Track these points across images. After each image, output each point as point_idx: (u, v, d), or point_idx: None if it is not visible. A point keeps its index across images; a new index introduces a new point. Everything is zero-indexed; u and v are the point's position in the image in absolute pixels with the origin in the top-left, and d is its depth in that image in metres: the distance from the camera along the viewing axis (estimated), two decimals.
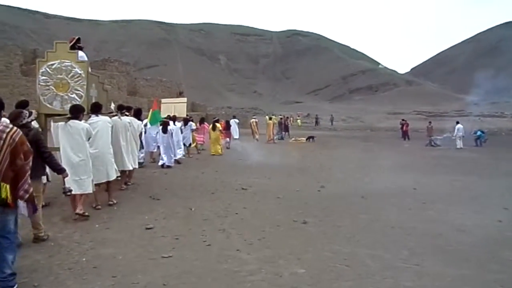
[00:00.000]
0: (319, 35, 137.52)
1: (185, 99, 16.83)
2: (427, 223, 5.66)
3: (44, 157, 4.41)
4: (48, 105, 6.45)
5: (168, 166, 10.77)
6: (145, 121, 11.38)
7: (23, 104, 5.59)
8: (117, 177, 6.66)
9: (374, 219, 5.79)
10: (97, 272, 3.59)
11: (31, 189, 3.36)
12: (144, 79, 35.75)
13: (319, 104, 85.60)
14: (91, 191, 5.61)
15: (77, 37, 7.23)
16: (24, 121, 4.26)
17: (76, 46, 6.88)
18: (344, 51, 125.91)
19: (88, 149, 5.68)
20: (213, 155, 14.59)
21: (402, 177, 10.22)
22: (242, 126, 27.26)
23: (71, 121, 5.50)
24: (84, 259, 3.90)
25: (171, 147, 11.45)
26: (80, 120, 5.60)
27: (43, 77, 6.44)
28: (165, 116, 13.07)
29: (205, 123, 17.01)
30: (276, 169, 11.26)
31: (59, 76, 6.39)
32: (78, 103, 6.23)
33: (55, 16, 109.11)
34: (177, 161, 11.77)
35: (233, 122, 22.86)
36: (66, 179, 5.01)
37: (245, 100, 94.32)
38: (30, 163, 3.42)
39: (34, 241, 4.37)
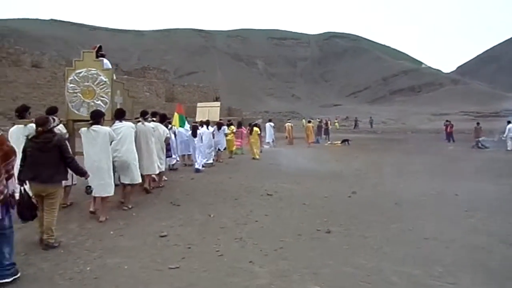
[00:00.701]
0: (357, 36, 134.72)
1: (218, 103, 16.69)
2: (468, 234, 5.07)
3: (67, 162, 4.56)
4: (75, 111, 6.62)
5: (198, 170, 10.70)
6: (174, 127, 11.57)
7: (52, 110, 5.95)
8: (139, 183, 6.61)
9: (407, 229, 5.27)
10: (96, 283, 3.42)
11: (6, 191, 3.42)
12: (182, 86, 36.42)
13: (359, 107, 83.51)
14: (112, 194, 5.73)
15: (98, 45, 7.36)
16: (50, 126, 4.50)
17: (98, 54, 7.02)
18: (385, 51, 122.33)
19: (110, 153, 5.78)
20: (253, 158, 14.47)
21: (443, 182, 9.46)
22: (278, 130, 27.03)
23: (94, 126, 5.63)
24: (88, 268, 3.76)
25: (201, 151, 11.49)
26: (102, 125, 5.71)
27: (71, 85, 6.63)
28: (199, 120, 13.16)
29: (242, 127, 16.79)
30: (308, 173, 10.82)
31: (85, 83, 6.60)
32: (103, 109, 6.42)
33: (100, 28, 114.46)
34: (209, 165, 11.84)
35: (268, 126, 22.75)
36: (89, 179, 5.15)
37: (283, 104, 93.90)
38: (12, 164, 3.55)
39: (44, 247, 4.31)
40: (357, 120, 44.82)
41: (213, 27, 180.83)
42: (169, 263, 3.95)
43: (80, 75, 6.63)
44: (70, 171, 4.87)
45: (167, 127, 11.31)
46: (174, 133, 11.56)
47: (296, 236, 4.93)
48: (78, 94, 6.64)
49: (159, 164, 7.61)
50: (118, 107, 6.83)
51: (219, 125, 14.06)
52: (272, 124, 23.47)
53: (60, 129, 5.64)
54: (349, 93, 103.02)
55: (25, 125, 5.56)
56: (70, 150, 4.89)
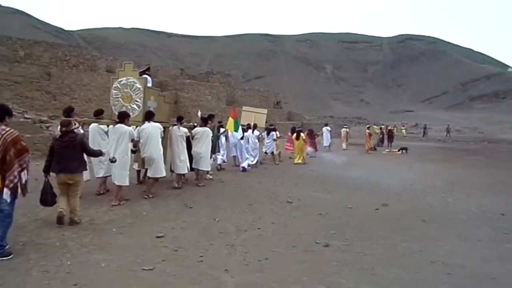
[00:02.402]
0: (435, 38, 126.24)
1: (265, 111, 16.67)
2: (487, 261, 4.44)
3: (87, 152, 5.66)
4: (117, 113, 7.26)
5: (244, 170, 11.59)
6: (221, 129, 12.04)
7: (98, 112, 7.62)
8: (162, 177, 7.54)
9: (417, 249, 4.76)
10: (64, 277, 3.57)
11: (16, 180, 4.06)
12: (243, 89, 37.04)
13: (433, 113, 78.22)
14: (127, 184, 6.69)
15: (147, 66, 9.19)
16: (72, 127, 5.51)
17: (145, 73, 8.45)
18: (466, 54, 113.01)
19: (129, 148, 6.77)
20: (297, 163, 14.43)
21: (495, 200, 8.46)
22: (336, 135, 26.33)
23: (118, 124, 6.66)
24: (68, 263, 3.93)
25: (247, 152, 12.26)
26: (126, 124, 6.69)
27: (115, 91, 7.62)
28: (246, 124, 13.48)
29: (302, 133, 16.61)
30: (346, 182, 10.35)
31: (125, 90, 7.54)
32: (137, 112, 7.44)
33: (175, 35, 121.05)
34: (253, 166, 12.58)
35: (325, 130, 22.54)
36: (112, 172, 6.66)
37: (351, 109, 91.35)
38: (24, 159, 4.19)
39: (70, 223, 5.26)
40: (426, 128, 41.79)
41: (283, 32, 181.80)
42: (147, 265, 3.99)
43: (121, 83, 7.56)
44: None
45: (219, 130, 11.91)
46: (226, 136, 12.29)
47: (290, 248, 4.70)
48: (119, 99, 7.56)
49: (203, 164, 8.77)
50: (152, 110, 7.60)
51: (268, 130, 14.57)
52: (328, 128, 23.13)
53: (80, 129, 6.31)
54: (424, 99, 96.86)
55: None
56: (89, 144, 6.04)
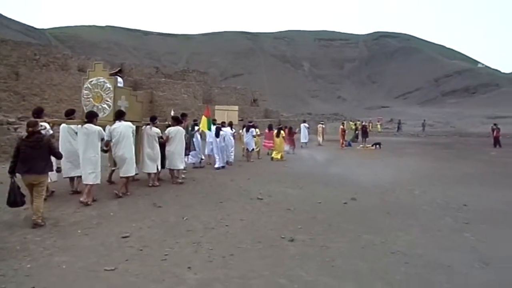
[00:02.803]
0: (409, 35, 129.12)
1: (236, 107, 17.04)
2: (444, 250, 4.62)
3: (54, 154, 5.73)
4: None
5: (223, 167, 11.88)
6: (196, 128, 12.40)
7: (69, 112, 7.43)
8: (135, 175, 7.95)
9: (379, 241, 4.90)
10: (22, 281, 3.52)
11: None
12: (219, 88, 36.90)
13: (408, 109, 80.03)
14: (99, 182, 6.82)
15: (119, 68, 9.77)
16: (39, 128, 5.68)
17: (117, 74, 8.67)
18: (438, 51, 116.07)
19: (99, 147, 6.79)
20: (274, 159, 14.73)
21: (461, 191, 8.79)
22: (313, 132, 26.64)
23: (87, 124, 6.63)
24: (28, 266, 3.87)
25: (223, 150, 12.30)
26: (94, 124, 6.68)
27: (86, 91, 7.70)
28: (220, 122, 13.52)
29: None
30: (318, 177, 10.49)
31: (95, 90, 7.62)
32: (107, 111, 7.52)
33: (152, 33, 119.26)
34: (228, 163, 12.60)
35: (303, 127, 22.93)
36: (82, 172, 6.64)
37: (328, 106, 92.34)
38: None
39: (33, 226, 5.17)
40: (400, 123, 42.73)
41: (260, 30, 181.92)
42: (109, 265, 3.97)
43: (92, 83, 7.66)
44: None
45: (193, 129, 12.02)
46: (200, 135, 12.48)
47: (255, 243, 4.77)
48: (90, 99, 7.64)
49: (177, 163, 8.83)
50: (123, 109, 7.67)
51: (247, 128, 14.75)
52: (306, 125, 23.48)
53: (46, 126, 6.48)
54: (399, 95, 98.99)
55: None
56: (55, 146, 6.08)
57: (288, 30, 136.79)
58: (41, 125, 6.03)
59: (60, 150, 6.63)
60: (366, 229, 5.48)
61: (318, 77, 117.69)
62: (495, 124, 24.03)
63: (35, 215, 5.26)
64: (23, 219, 5.48)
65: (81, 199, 6.44)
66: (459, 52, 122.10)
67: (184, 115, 10.20)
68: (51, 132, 6.64)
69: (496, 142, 22.38)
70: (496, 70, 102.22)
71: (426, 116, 63.61)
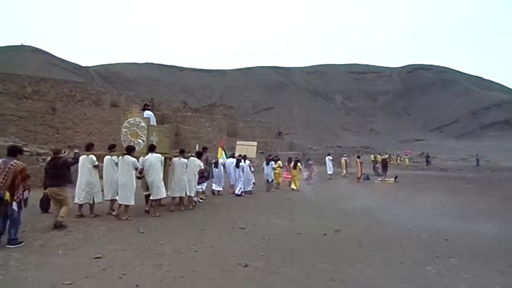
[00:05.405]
0: (444, 67, 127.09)
1: (255, 143, 17.99)
2: (391, 281, 4.74)
3: (69, 164, 7.60)
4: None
5: (239, 195, 13.34)
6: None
7: (111, 146, 9.60)
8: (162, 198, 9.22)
9: (329, 269, 5.09)
10: None
11: (21, 197, 6.01)
12: (244, 121, 37.82)
13: (444, 142, 77.70)
14: (132, 203, 8.45)
15: (145, 103, 11.30)
16: (61, 155, 7.72)
17: (145, 108, 10.39)
18: (475, 82, 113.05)
19: (134, 175, 8.54)
20: (293, 189, 16.04)
21: (458, 226, 8.69)
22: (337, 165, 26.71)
23: (125, 156, 8.48)
24: (0, 278, 4.43)
25: (241, 180, 13.76)
26: (132, 156, 8.49)
27: (124, 129, 9.65)
28: (238, 155, 15.06)
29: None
30: (316, 210, 10.66)
31: (132, 128, 9.53)
32: (141, 145, 9.28)
33: (187, 69, 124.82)
34: (248, 192, 14.06)
35: (327, 160, 23.76)
36: (119, 194, 8.45)
37: (360, 139, 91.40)
38: (27, 183, 6.15)
39: (54, 225, 7.04)
40: (429, 156, 41.51)
41: (292, 64, 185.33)
42: (69, 280, 4.46)
43: (130, 122, 9.59)
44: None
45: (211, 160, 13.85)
46: (223, 165, 14.17)
47: (211, 268, 5.10)
48: (128, 135, 9.54)
49: (189, 189, 10.01)
50: (154, 144, 9.43)
51: (268, 160, 16.09)
52: (330, 157, 23.98)
53: (93, 158, 8.63)
54: (434, 128, 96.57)
55: (87, 155, 8.66)
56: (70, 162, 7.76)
57: (320, 64, 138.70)
58: (65, 151, 8.38)
59: (103, 177, 8.86)
60: (326, 259, 5.66)
61: (351, 110, 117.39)
62: None
63: (60, 217, 7.09)
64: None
65: (114, 213, 8.45)
66: (497, 83, 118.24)
67: (205, 148, 12.43)
68: (96, 163, 8.63)
69: None
70: None
71: (463, 149, 61.41)
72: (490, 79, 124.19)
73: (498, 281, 4.92)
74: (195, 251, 5.94)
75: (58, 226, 6.98)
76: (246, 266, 5.18)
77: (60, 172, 7.32)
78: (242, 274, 4.88)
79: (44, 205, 8.72)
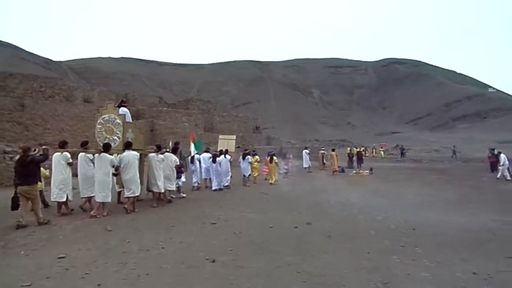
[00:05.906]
0: (418, 61, 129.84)
1: (234, 137, 18.10)
2: (354, 271, 4.82)
3: (38, 161, 7.44)
4: (101, 144, 9.09)
5: (220, 189, 13.35)
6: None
7: (84, 143, 9.20)
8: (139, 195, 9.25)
9: (296, 262, 5.13)
10: None
11: None
12: (221, 116, 37.64)
13: (418, 134, 79.58)
14: (109, 201, 8.44)
15: (121, 99, 11.22)
16: (29, 153, 7.34)
17: (121, 104, 10.27)
18: (448, 76, 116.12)
19: (111, 172, 8.52)
20: (270, 183, 16.07)
21: (426, 216, 8.91)
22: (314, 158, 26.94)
23: (102, 154, 8.40)
24: None
25: (219, 175, 13.62)
26: (108, 153, 8.41)
27: (99, 126, 9.54)
28: (219, 150, 15.41)
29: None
30: (289, 203, 10.71)
31: (107, 125, 9.46)
32: (117, 142, 9.40)
33: (165, 63, 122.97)
34: (226, 187, 13.88)
35: (304, 153, 24.23)
36: (96, 192, 8.34)
37: (337, 132, 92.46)
38: None
39: (38, 224, 7.07)
40: (404, 149, 42.41)
41: (270, 58, 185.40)
42: (28, 281, 4.33)
43: (104, 119, 9.51)
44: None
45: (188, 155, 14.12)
46: (199, 160, 14.06)
47: (177, 264, 5.06)
48: (103, 132, 9.47)
49: (169, 185, 10.25)
50: (130, 140, 9.39)
51: (244, 155, 16.04)
52: (307, 151, 24.20)
53: (67, 155, 8.51)
54: (409, 120, 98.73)
55: (61, 153, 8.55)
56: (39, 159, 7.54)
57: (297, 59, 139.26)
58: (34, 149, 8.10)
59: (78, 174, 8.68)
60: (294, 251, 5.71)
61: (328, 104, 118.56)
62: (492, 149, 23.87)
63: (37, 216, 7.16)
64: None
65: (92, 213, 8.03)
66: (469, 77, 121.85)
67: (177, 143, 12.33)
68: (70, 160, 8.52)
69: (493, 167, 22.16)
70: (508, 94, 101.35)
71: (436, 141, 63.07)
72: (463, 73, 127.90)
73: (458, 269, 5.07)
74: (162, 247, 5.88)
75: (42, 223, 7.15)
76: (213, 261, 5.15)
77: (29, 171, 7.16)
78: (208, 269, 4.85)
79: (16, 203, 8.38)
